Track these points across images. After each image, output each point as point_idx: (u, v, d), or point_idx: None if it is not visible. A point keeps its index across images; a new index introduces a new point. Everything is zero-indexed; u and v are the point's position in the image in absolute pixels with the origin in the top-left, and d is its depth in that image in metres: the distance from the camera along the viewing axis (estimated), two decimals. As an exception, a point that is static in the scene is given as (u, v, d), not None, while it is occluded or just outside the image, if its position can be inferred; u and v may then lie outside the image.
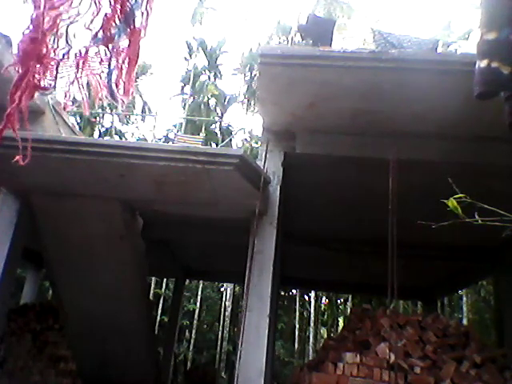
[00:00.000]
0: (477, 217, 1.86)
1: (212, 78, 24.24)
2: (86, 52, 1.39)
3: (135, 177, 4.94)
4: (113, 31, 1.38)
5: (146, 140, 23.60)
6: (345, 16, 22.28)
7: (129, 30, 1.39)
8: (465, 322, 13.89)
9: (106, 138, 21.73)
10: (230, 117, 31.60)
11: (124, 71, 1.46)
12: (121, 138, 22.91)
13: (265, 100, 4.97)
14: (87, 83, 1.46)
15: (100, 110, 20.34)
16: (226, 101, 23.86)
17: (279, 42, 22.25)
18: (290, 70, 4.44)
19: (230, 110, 24.51)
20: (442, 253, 7.98)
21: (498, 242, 7.13)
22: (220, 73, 24.57)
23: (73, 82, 1.41)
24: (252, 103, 21.93)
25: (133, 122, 25.61)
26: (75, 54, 1.39)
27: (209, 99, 23.46)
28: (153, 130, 25.20)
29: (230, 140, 20.18)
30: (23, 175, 5.08)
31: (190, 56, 24.23)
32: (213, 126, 23.74)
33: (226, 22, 45.41)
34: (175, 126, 23.51)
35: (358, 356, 5.28)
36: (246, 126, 26.11)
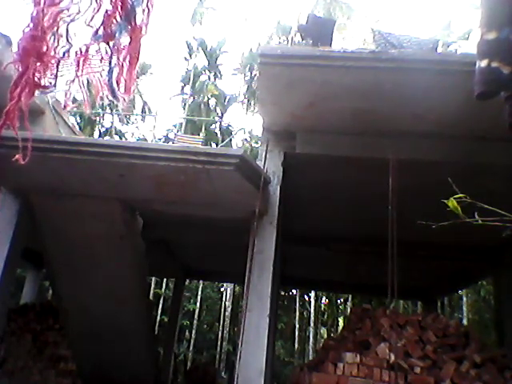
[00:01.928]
0: (477, 217, 1.86)
1: (212, 78, 24.26)
2: (87, 50, 1.38)
3: (135, 177, 4.94)
4: (113, 28, 1.37)
5: (146, 140, 23.61)
6: (345, 16, 22.30)
7: (130, 27, 1.38)
8: (465, 322, 13.89)
9: (105, 137, 21.74)
10: (230, 117, 31.58)
11: (125, 69, 1.45)
12: (121, 138, 22.92)
13: (265, 100, 4.97)
14: (88, 81, 1.45)
15: (100, 110, 20.36)
16: (226, 101, 23.88)
17: (279, 42, 22.26)
18: (289, 69, 4.44)
19: (230, 110, 24.55)
20: (442, 253, 7.98)
21: (497, 242, 7.13)
22: (220, 73, 24.59)
23: (73, 81, 1.40)
24: (252, 103, 21.94)
25: (133, 122, 25.63)
26: (76, 52, 1.39)
27: (209, 99, 23.47)
28: (153, 130, 25.24)
29: (230, 140, 20.19)
30: (23, 175, 5.08)
31: (190, 56, 24.24)
32: (213, 126, 23.75)
33: (226, 22, 45.44)
34: (175, 126, 23.53)
35: (358, 356, 5.28)
36: (245, 126, 26.14)
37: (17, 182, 5.34)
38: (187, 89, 23.67)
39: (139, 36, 1.42)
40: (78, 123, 20.96)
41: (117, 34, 1.38)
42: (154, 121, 25.64)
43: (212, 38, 39.98)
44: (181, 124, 22.50)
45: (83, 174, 5.05)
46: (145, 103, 24.35)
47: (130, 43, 1.43)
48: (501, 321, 8.07)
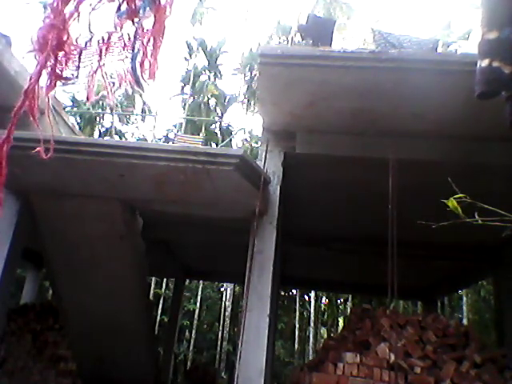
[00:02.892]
0: (477, 217, 1.86)
1: (212, 78, 24.25)
2: (109, 37, 1.35)
3: (135, 177, 4.94)
4: (138, 3, 1.33)
5: (146, 140, 23.61)
6: (345, 16, 22.30)
7: (154, 4, 1.34)
8: (465, 321, 13.89)
9: (105, 138, 21.73)
10: (230, 117, 31.60)
11: (149, 53, 1.42)
12: (121, 138, 22.91)
13: (265, 100, 4.97)
14: (109, 72, 1.43)
15: (100, 110, 20.36)
16: (226, 101, 23.87)
17: (279, 42, 22.26)
18: (289, 69, 4.44)
19: (230, 110, 24.54)
20: (442, 253, 7.98)
21: (497, 242, 7.14)
22: (220, 73, 24.58)
23: (96, 71, 1.37)
24: (252, 103, 21.94)
25: (133, 122, 25.62)
26: (97, 41, 1.36)
27: (209, 99, 23.47)
28: (153, 130, 25.23)
29: (230, 140, 20.18)
30: (23, 175, 5.08)
31: (190, 56, 24.24)
32: (213, 126, 23.75)
33: (226, 22, 45.43)
34: (175, 126, 23.53)
35: (358, 356, 5.29)
36: (246, 126, 26.11)
37: (17, 182, 5.34)
38: (187, 89, 23.66)
39: (163, 17, 1.39)
40: (77, 123, 20.97)
41: (141, 11, 1.35)
42: (154, 121, 25.65)
43: (212, 37, 40.01)
44: (181, 124, 22.50)
45: (83, 174, 5.04)
46: (145, 103, 24.35)
47: (153, 25, 1.39)
48: (501, 321, 8.07)
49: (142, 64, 1.41)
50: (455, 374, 5.11)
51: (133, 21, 1.36)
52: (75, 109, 21.90)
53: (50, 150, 1.58)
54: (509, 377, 5.17)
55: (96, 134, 22.29)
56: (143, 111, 24.25)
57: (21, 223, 5.53)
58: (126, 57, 1.40)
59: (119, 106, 22.46)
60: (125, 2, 1.31)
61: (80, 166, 4.85)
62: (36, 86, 1.16)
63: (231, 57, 49.54)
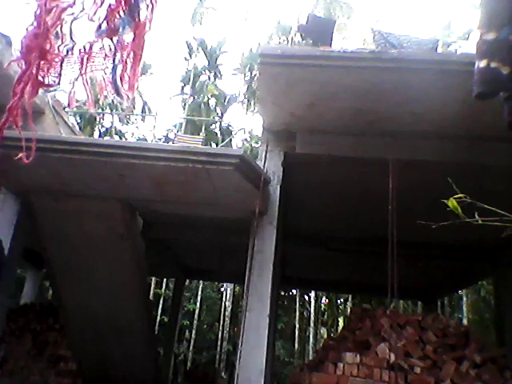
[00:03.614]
0: (477, 217, 1.86)
1: (212, 78, 24.26)
2: (91, 47, 1.38)
3: (135, 177, 4.94)
4: (117, 23, 1.36)
5: (146, 140, 23.61)
6: (345, 16, 22.30)
7: (133, 22, 1.37)
8: (465, 321, 13.89)
9: (105, 138, 21.73)
10: (230, 117, 31.58)
11: (129, 66, 1.45)
12: (121, 138, 22.92)
13: (265, 100, 4.97)
14: (91, 80, 1.45)
15: (100, 110, 20.36)
16: (226, 101, 23.87)
17: (279, 42, 22.25)
18: (289, 69, 4.44)
19: (230, 110, 24.54)
20: (442, 253, 7.98)
21: (497, 242, 7.13)
22: (220, 73, 24.58)
23: (77, 79, 1.39)
24: (252, 103, 21.93)
25: (133, 122, 25.62)
26: (79, 50, 1.38)
27: (209, 99, 23.47)
28: (153, 130, 25.25)
29: (230, 140, 20.18)
30: (23, 175, 5.08)
31: (190, 56, 24.24)
32: (213, 125, 23.75)
33: (226, 22, 45.44)
34: (175, 126, 23.52)
35: (358, 356, 5.28)
36: (246, 126, 26.10)
37: (17, 182, 5.34)
38: (187, 89, 23.67)
39: (143, 32, 1.41)
40: (78, 123, 20.96)
41: (120, 30, 1.37)
42: (154, 121, 25.67)
43: (212, 37, 40.01)
44: (181, 124, 22.50)
45: (83, 174, 5.04)
46: (145, 103, 24.35)
47: (133, 40, 1.42)
48: (501, 321, 8.07)
49: (121, 77, 1.44)
50: (455, 374, 5.10)
51: (112, 39, 1.38)
52: (75, 109, 21.88)
53: (31, 151, 1.60)
54: (509, 377, 5.17)
55: (96, 134, 22.28)
56: (143, 111, 24.24)
57: (21, 223, 5.53)
58: (107, 67, 1.42)
59: (119, 106, 22.45)
60: (104, 22, 1.33)
61: (80, 165, 4.85)
62: (19, 103, 1.18)
63: (231, 57, 49.59)
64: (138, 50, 1.42)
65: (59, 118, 6.59)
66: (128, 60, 1.43)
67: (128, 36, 1.42)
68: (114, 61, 1.39)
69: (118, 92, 1.42)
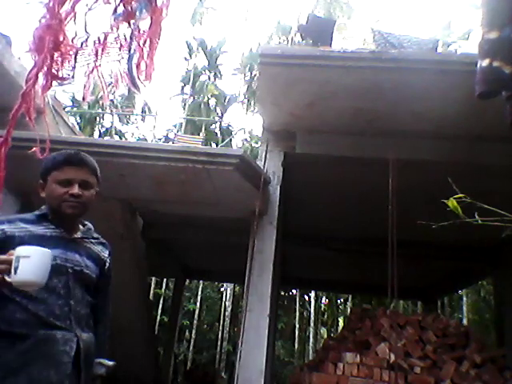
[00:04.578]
0: (477, 217, 1.86)
1: (212, 78, 24.25)
2: (105, 38, 1.35)
3: (135, 177, 4.94)
4: (134, 6, 1.33)
5: (146, 140, 23.61)
6: (345, 16, 22.30)
7: (150, 6, 1.34)
8: (465, 321, 13.89)
9: (105, 138, 21.73)
10: (230, 117, 31.62)
11: (145, 54, 1.42)
12: (121, 138, 22.91)
13: (265, 100, 4.97)
14: (105, 73, 1.42)
15: (100, 110, 20.37)
16: (226, 101, 23.87)
17: (279, 42, 22.25)
18: (289, 69, 4.44)
19: (230, 110, 24.53)
20: (442, 253, 7.98)
21: (497, 242, 7.14)
22: (220, 73, 24.57)
23: (92, 71, 1.37)
24: (252, 103, 21.93)
25: (133, 122, 25.63)
26: (94, 42, 1.35)
27: (209, 99, 23.46)
28: (153, 130, 25.24)
29: (230, 140, 20.17)
30: (23, 175, 5.07)
31: (190, 56, 24.23)
32: (213, 126, 23.74)
33: (226, 22, 45.42)
34: (175, 126, 23.52)
35: (358, 356, 5.28)
36: (245, 126, 26.12)
37: (17, 182, 5.34)
38: (187, 89, 23.66)
39: (160, 18, 1.39)
40: (77, 123, 20.97)
41: (137, 13, 1.35)
42: (154, 121, 25.66)
43: (212, 37, 40.03)
44: (181, 124, 22.49)
45: (83, 174, 5.04)
46: (145, 103, 24.35)
47: (150, 26, 1.39)
48: (501, 321, 8.07)
49: (138, 65, 1.41)
50: (455, 374, 5.11)
51: (129, 22, 1.36)
52: (75, 109, 21.90)
53: (45, 149, 1.60)
54: (509, 377, 5.18)
55: (96, 134, 22.28)
56: (143, 111, 24.25)
57: (21, 223, 5.52)
58: (123, 58, 1.40)
59: (119, 106, 22.46)
60: (121, 4, 1.31)
61: (80, 165, 4.84)
62: (33, 89, 1.15)
63: (231, 57, 49.63)
64: (155, 37, 1.40)
65: (59, 117, 6.59)
66: (144, 48, 1.40)
67: (144, 23, 1.39)
68: (129, 50, 1.37)
69: (133, 83, 1.40)
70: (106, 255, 1.91)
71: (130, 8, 1.32)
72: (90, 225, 1.94)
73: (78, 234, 1.79)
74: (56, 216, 1.71)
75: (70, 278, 1.65)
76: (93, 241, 1.88)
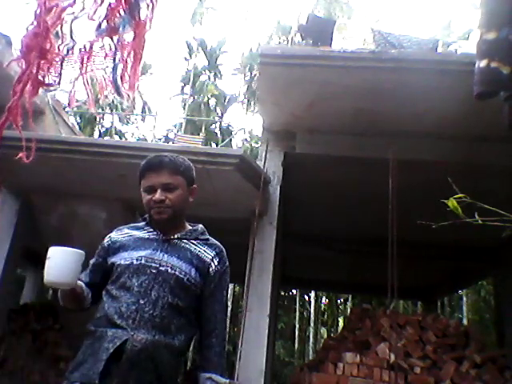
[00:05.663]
0: (477, 217, 1.86)
1: (212, 78, 24.25)
2: (91, 47, 1.36)
3: (135, 177, 4.93)
4: (117, 22, 1.35)
5: (146, 140, 23.61)
6: (345, 16, 22.30)
7: (133, 21, 1.36)
8: (465, 321, 13.89)
9: (105, 138, 21.73)
10: (230, 117, 31.63)
11: (129, 65, 1.44)
12: (121, 138, 22.91)
13: (265, 100, 4.97)
14: (92, 79, 1.44)
15: (100, 110, 20.36)
16: (226, 101, 23.87)
17: (279, 42, 22.25)
18: (290, 69, 4.44)
19: (230, 110, 24.54)
20: (442, 253, 7.98)
21: (497, 242, 7.13)
22: (220, 73, 24.57)
23: (78, 78, 1.38)
24: (252, 103, 21.93)
25: (133, 122, 25.62)
26: (80, 50, 1.37)
27: (209, 99, 23.46)
28: (153, 130, 25.24)
29: (230, 140, 20.17)
30: (23, 175, 5.08)
31: (190, 56, 24.23)
32: (213, 126, 23.74)
33: (226, 22, 45.46)
34: (175, 126, 23.52)
35: (358, 356, 5.28)
36: (246, 126, 26.13)
37: (17, 182, 5.34)
38: (187, 89, 23.66)
39: (143, 31, 1.40)
40: (78, 123, 20.96)
41: (120, 29, 1.36)
42: (154, 121, 25.66)
43: (212, 37, 40.04)
44: (181, 124, 22.49)
45: (83, 174, 5.05)
46: (145, 103, 24.35)
47: (133, 39, 1.41)
48: (501, 321, 8.07)
49: (122, 76, 1.43)
50: (455, 374, 5.11)
51: (112, 38, 1.37)
52: (75, 108, 21.89)
53: (31, 151, 1.61)
54: (509, 377, 5.17)
55: (96, 134, 22.28)
56: (143, 111, 24.25)
57: (21, 223, 5.53)
58: (107, 66, 1.41)
59: (119, 105, 22.46)
60: (105, 21, 1.32)
61: (80, 165, 4.85)
62: (18, 102, 1.17)
63: (231, 57, 49.63)
64: (139, 49, 1.42)
65: (59, 117, 6.60)
66: (128, 59, 1.42)
67: (128, 35, 1.41)
68: (114, 60, 1.38)
69: (118, 91, 1.42)
70: (211, 257, 1.79)
71: (113, 24, 1.33)
72: (200, 226, 1.90)
73: (177, 235, 1.75)
74: (152, 220, 1.76)
75: (150, 277, 1.60)
76: (194, 241, 1.80)
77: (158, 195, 1.70)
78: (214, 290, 1.75)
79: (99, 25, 1.33)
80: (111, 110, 20.57)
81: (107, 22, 1.32)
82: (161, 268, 1.63)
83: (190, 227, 1.85)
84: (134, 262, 1.63)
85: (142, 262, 1.62)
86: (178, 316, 1.62)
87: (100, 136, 22.55)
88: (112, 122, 23.48)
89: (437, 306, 11.63)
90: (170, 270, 1.63)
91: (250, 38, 40.67)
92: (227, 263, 1.83)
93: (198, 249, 1.78)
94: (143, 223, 1.81)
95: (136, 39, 1.39)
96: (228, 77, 47.64)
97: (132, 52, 1.42)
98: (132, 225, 1.82)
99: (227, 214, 5.71)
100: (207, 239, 1.88)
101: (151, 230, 1.75)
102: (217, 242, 1.90)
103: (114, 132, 22.93)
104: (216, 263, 1.79)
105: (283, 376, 15.91)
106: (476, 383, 5.04)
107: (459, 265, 8.82)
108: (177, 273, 1.64)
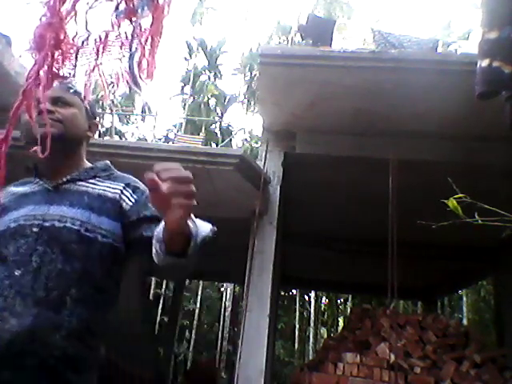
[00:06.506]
0: (477, 217, 1.86)
1: (212, 78, 24.26)
2: (106, 36, 1.35)
3: (135, 177, 4.93)
4: (136, 3, 1.33)
5: (146, 140, 23.62)
6: (345, 16, 22.32)
7: (152, 3, 1.34)
8: (465, 321, 13.89)
9: (105, 138, 21.74)
10: (230, 117, 31.64)
11: (147, 52, 1.42)
12: (121, 138, 22.92)
13: (265, 100, 4.97)
14: (103, 72, 1.42)
15: (100, 110, 20.36)
16: (226, 101, 23.88)
17: (279, 42, 22.27)
18: (290, 69, 4.44)
19: (230, 110, 24.55)
20: (442, 253, 7.98)
21: (497, 242, 7.13)
22: (220, 73, 24.58)
23: (93, 70, 1.37)
24: (252, 103, 21.94)
25: (133, 122, 25.63)
26: (95, 40, 1.36)
27: (209, 99, 23.47)
28: (153, 130, 25.23)
29: (230, 140, 20.18)
30: (23, 175, 5.08)
31: (190, 56, 24.23)
32: (213, 126, 23.75)
33: (226, 22, 45.47)
34: (175, 126, 23.52)
35: (358, 356, 5.29)
36: (246, 126, 26.14)
37: (17, 181, 5.34)
38: (187, 89, 23.66)
39: (161, 16, 1.39)
40: (77, 123, 20.90)
41: (139, 11, 1.35)
42: (154, 121, 25.64)
43: (212, 37, 40.05)
44: (181, 124, 22.49)
45: (83, 174, 5.04)
46: (145, 103, 24.35)
47: (151, 24, 1.39)
48: (501, 321, 8.07)
49: (139, 63, 1.42)
50: (455, 374, 5.11)
51: (131, 20, 1.36)
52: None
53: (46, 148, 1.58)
54: (509, 377, 5.18)
55: (96, 134, 22.26)
56: (143, 111, 24.25)
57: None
58: (124, 56, 1.40)
59: (119, 105, 22.47)
60: (123, 1, 1.31)
61: (80, 165, 4.85)
62: (33, 86, 1.15)
63: (231, 57, 49.66)
64: (156, 35, 1.40)
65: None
66: (146, 46, 1.41)
67: (146, 21, 1.39)
68: (130, 48, 1.37)
69: (135, 81, 1.40)
70: (119, 191, 1.33)
71: (131, 5, 1.32)
72: (102, 162, 1.44)
73: (66, 178, 1.34)
74: (38, 160, 1.34)
75: (30, 240, 1.21)
76: (92, 181, 1.35)
77: (45, 106, 1.23)
78: (141, 221, 1.25)
79: (117, 6, 1.31)
80: (111, 110, 20.57)
81: (125, 2, 1.30)
82: (45, 224, 1.23)
83: (89, 166, 1.41)
84: (12, 225, 1.24)
85: (21, 222, 1.24)
86: (78, 284, 1.19)
87: (100, 136, 22.55)
88: (112, 122, 23.49)
89: (437, 306, 11.62)
90: (57, 223, 1.23)
91: (250, 37, 40.74)
92: (147, 192, 1.15)
93: (99, 187, 1.34)
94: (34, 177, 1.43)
95: (154, 24, 1.37)
96: (228, 77, 47.67)
97: (150, 38, 1.40)
98: (21, 180, 1.46)
99: (227, 213, 5.71)
100: (111, 173, 1.42)
101: (37, 179, 1.40)
102: (125, 174, 1.44)
103: (114, 132, 22.94)
104: (129, 195, 1.33)
105: (283, 376, 15.93)
106: (476, 383, 5.05)
107: (459, 265, 8.81)
108: (68, 224, 1.23)
